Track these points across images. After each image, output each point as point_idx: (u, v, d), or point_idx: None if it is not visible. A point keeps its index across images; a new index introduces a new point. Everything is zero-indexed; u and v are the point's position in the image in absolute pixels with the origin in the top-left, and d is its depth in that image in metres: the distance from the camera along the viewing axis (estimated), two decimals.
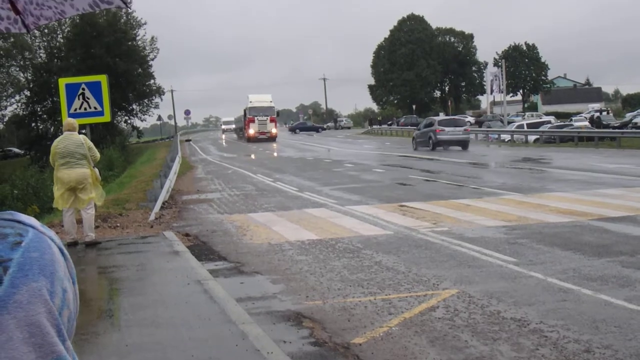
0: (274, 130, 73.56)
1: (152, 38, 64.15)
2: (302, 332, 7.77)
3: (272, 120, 73.46)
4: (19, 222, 1.01)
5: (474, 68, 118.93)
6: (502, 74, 70.20)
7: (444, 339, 7.30)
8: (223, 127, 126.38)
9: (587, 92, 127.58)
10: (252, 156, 48.28)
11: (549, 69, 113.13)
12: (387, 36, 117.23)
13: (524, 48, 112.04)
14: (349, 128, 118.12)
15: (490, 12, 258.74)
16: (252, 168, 34.52)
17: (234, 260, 12.06)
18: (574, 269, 10.15)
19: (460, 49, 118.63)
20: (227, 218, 17.32)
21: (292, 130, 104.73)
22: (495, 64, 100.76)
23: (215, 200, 21.31)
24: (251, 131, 72.01)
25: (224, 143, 75.94)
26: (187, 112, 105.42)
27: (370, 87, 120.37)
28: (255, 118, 72.21)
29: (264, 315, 8.45)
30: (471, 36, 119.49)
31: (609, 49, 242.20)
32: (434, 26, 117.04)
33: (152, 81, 64.85)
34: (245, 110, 75.01)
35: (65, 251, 1.05)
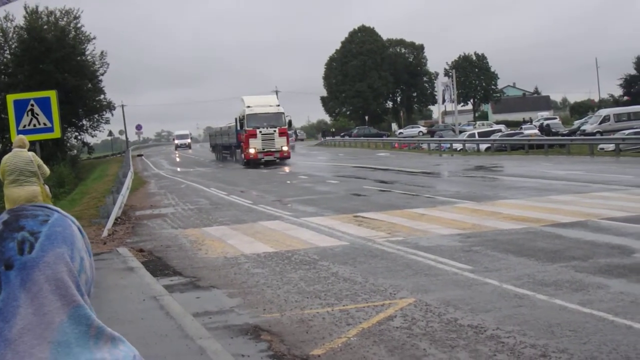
0: (285, 148, 48.74)
1: (102, 53, 63.10)
2: (261, 346, 7.73)
3: (282, 134, 48.68)
4: (48, 208, 1.30)
5: (425, 78, 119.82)
6: (452, 84, 70.88)
7: (403, 348, 7.31)
8: (176, 141, 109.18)
9: (536, 101, 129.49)
10: (205, 169, 48.23)
11: (498, 78, 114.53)
12: (338, 48, 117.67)
13: (474, 58, 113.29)
14: (302, 140, 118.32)
15: (439, 23, 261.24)
16: (206, 182, 34.31)
17: (189, 275, 11.96)
18: (529, 275, 10.25)
19: (411, 60, 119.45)
20: (181, 233, 17.19)
21: None
22: (446, 74, 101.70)
23: (169, 215, 21.14)
24: (251, 150, 47.72)
25: (177, 158, 74.12)
26: (139, 127, 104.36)
27: (322, 98, 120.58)
28: (258, 131, 47.89)
29: (222, 330, 8.38)
30: (422, 47, 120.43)
31: (557, 59, 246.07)
32: (384, 37, 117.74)
33: (102, 96, 63.92)
34: (239, 120, 50.10)
35: (83, 231, 1.32)
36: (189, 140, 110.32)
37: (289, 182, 31.76)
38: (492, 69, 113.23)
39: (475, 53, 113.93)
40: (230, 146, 56.92)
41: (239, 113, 50.20)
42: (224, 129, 60.58)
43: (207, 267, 12.47)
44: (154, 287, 10.46)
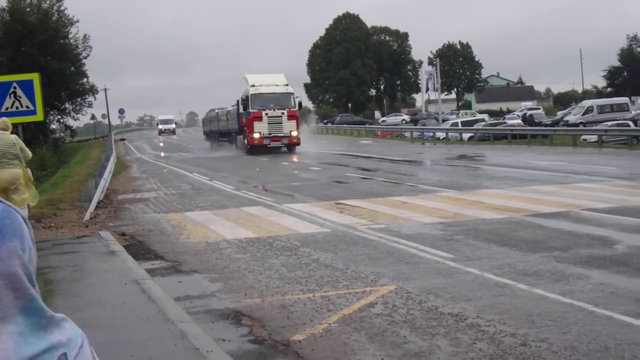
0: (294, 133, 43.76)
1: (85, 36, 62.72)
2: (241, 330, 7.73)
3: (291, 117, 43.78)
4: None
5: (409, 67, 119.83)
6: (436, 73, 70.99)
7: (383, 335, 7.34)
8: (160, 126, 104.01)
9: (520, 91, 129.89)
10: (187, 154, 48.09)
11: (482, 67, 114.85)
12: (322, 35, 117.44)
13: (458, 47, 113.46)
14: None
15: (424, 11, 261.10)
16: (188, 167, 34.24)
17: (171, 259, 11.95)
18: (510, 265, 10.30)
19: (395, 48, 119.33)
20: (163, 217, 17.15)
21: None
22: (430, 62, 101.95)
23: (152, 199, 21.08)
24: (256, 135, 43.07)
25: (160, 143, 73.69)
26: (122, 111, 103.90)
27: (306, 85, 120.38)
28: (264, 113, 43.12)
29: (203, 314, 8.38)
30: (406, 35, 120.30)
31: (541, 50, 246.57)
32: (369, 25, 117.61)
33: (85, 80, 63.58)
34: (241, 101, 45.03)
35: (27, 221, 1.28)
36: (173, 126, 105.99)
37: (271, 168, 31.72)
38: (477, 58, 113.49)
39: (459, 42, 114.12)
40: (230, 132, 51.47)
41: (242, 94, 44.95)
42: (222, 113, 55.66)
43: (189, 252, 12.46)
44: (136, 271, 10.44)
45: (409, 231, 13.48)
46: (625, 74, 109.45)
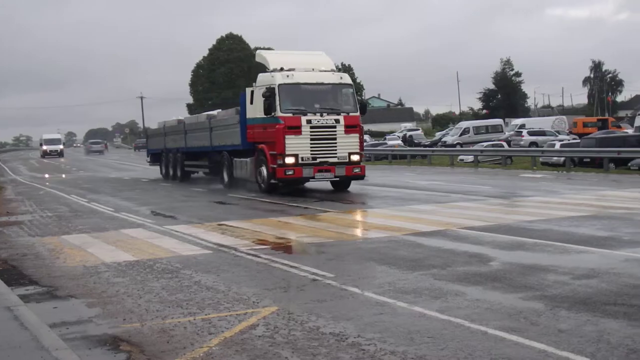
0: (356, 157, 25.53)
1: None
2: (120, 356, 7.54)
3: (351, 127, 25.47)
4: None
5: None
6: None
7: (265, 357, 7.29)
8: (45, 147, 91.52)
9: (400, 112, 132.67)
10: (64, 176, 46.74)
11: (364, 89, 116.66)
12: (206, 55, 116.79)
13: (340, 68, 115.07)
14: None
15: (308, 33, 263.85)
16: (66, 189, 33.29)
17: (46, 284, 11.54)
18: (390, 283, 10.44)
19: None
20: (39, 241, 16.58)
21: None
22: None
23: (27, 222, 20.37)
24: (289, 159, 24.65)
25: (35, 163, 71.16)
26: None
27: (189, 106, 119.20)
28: (304, 120, 24.80)
29: (80, 341, 8.13)
30: None
31: (421, 73, 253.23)
32: (252, 45, 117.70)
33: None
34: (253, 98, 26.53)
35: None
36: (61, 147, 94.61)
37: (153, 189, 31.23)
38: (358, 80, 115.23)
39: (342, 63, 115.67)
40: (214, 154, 30.93)
41: (256, 84, 26.42)
42: (195, 121, 35.32)
43: (66, 276, 12.07)
44: (8, 297, 10.02)
45: (291, 251, 13.49)
46: (500, 96, 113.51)
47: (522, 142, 54.84)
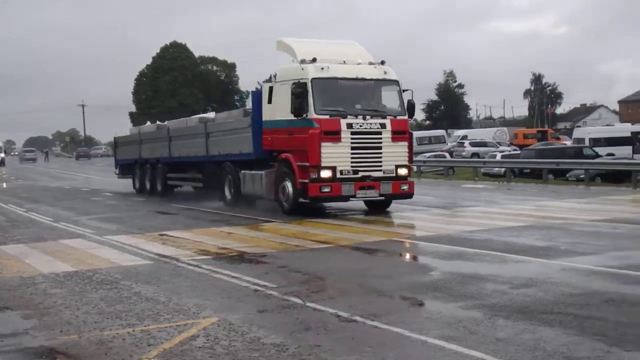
0: (404, 170, 21.11)
1: None
2: None
3: (399, 134, 20.94)
4: None
5: (236, 97, 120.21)
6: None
7: None
8: None
9: None
10: (5, 185, 45.84)
11: None
12: (149, 63, 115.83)
13: None
14: (108, 156, 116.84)
15: (252, 41, 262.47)
16: (4, 197, 32.63)
17: None
18: (332, 293, 10.45)
19: (223, 78, 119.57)
20: None
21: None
22: None
23: None
24: (325, 172, 19.87)
25: None
26: None
27: (131, 114, 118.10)
28: (344, 123, 20.06)
29: (14, 353, 7.97)
30: (234, 65, 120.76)
31: None
32: (196, 54, 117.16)
33: None
34: (273, 95, 21.87)
35: None
36: (2, 155, 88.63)
37: (93, 199, 30.82)
38: None
39: None
40: (209, 165, 26.18)
41: (283, 78, 21.44)
42: (184, 125, 30.20)
43: (1, 287, 11.80)
44: None
45: (233, 261, 13.43)
46: (443, 107, 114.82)
47: (464, 153, 55.61)
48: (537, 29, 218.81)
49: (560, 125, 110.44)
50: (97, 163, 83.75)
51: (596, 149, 41.38)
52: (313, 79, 20.01)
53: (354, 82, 20.68)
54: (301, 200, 20.53)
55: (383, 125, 20.46)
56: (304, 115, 19.90)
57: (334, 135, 19.82)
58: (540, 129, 72.77)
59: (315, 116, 19.79)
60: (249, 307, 9.80)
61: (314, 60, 20.44)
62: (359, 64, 21.24)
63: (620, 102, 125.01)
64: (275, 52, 22.56)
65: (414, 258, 13.96)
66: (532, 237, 15.58)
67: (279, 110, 21.20)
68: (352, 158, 20.08)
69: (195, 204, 25.28)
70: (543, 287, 10.50)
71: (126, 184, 35.30)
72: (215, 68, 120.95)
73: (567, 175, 35.63)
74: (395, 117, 20.80)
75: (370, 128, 20.29)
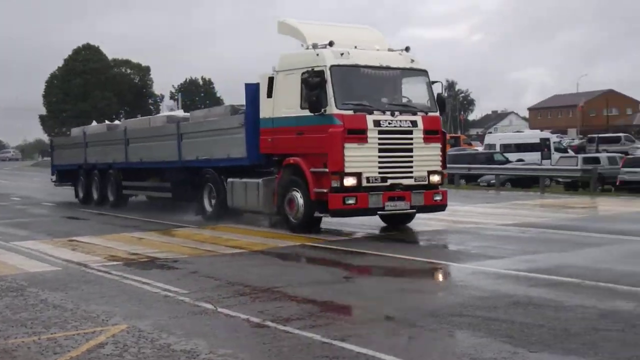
0: (436, 177, 17.62)
1: None
2: None
3: (431, 134, 17.58)
4: None
5: (150, 100, 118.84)
6: (178, 107, 71.19)
7: None
8: None
9: None
10: None
11: (223, 102, 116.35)
12: (61, 65, 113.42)
13: (200, 82, 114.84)
14: (17, 160, 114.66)
15: (167, 46, 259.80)
16: None
17: None
18: (242, 299, 10.40)
19: (137, 81, 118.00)
20: None
21: None
22: (172, 96, 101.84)
23: None
24: (349, 179, 16.34)
25: None
26: None
27: (41, 117, 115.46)
28: (370, 120, 16.58)
29: None
30: (148, 69, 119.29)
31: None
32: (110, 57, 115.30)
33: None
34: (285, 83, 17.79)
35: None
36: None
37: (1, 203, 29.98)
38: (218, 94, 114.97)
39: (202, 78, 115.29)
40: (181, 172, 22.51)
41: (288, 66, 17.90)
42: (148, 127, 25.88)
43: None
44: None
45: (143, 267, 13.24)
46: None
47: None
48: (451, 36, 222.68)
49: (473, 131, 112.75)
50: (4, 167, 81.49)
51: (506, 154, 42.27)
52: (332, 66, 16.54)
53: (378, 70, 17.28)
54: (317, 215, 17.06)
55: (414, 123, 17.14)
56: (323, 110, 16.43)
57: (359, 134, 16.43)
58: (453, 134, 74.05)
59: (336, 111, 16.32)
60: (160, 313, 9.67)
61: (331, 44, 16.92)
62: (379, 49, 18.09)
63: (529, 109, 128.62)
64: (277, 35, 19.13)
65: (325, 262, 14.00)
66: (443, 241, 15.82)
67: (283, 105, 17.79)
68: (379, 162, 16.71)
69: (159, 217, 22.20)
70: (453, 290, 10.67)
71: (58, 193, 34.10)
72: (129, 71, 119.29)
73: (479, 180, 36.36)
74: (426, 113, 17.59)
75: (401, 126, 16.93)
